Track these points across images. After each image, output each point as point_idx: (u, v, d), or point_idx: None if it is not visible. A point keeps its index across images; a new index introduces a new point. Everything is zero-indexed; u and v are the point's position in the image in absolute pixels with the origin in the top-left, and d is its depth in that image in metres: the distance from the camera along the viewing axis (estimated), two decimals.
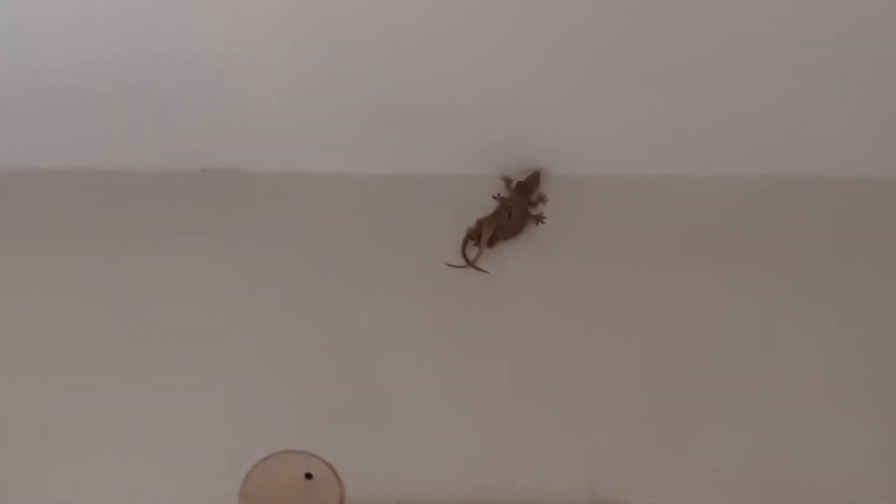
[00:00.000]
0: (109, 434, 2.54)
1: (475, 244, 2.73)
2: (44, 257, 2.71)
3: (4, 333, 2.63)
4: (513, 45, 2.46)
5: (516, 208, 2.75)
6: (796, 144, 2.73)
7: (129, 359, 2.62)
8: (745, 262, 2.74)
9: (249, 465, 2.52)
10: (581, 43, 2.45)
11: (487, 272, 2.71)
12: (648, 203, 2.79)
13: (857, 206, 2.80)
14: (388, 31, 2.42)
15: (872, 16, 2.38)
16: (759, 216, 2.79)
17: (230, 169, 2.79)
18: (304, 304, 2.68)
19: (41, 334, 2.63)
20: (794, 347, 2.65)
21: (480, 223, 2.73)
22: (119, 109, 2.60)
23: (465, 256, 2.72)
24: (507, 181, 2.78)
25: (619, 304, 2.69)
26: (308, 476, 2.52)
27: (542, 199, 2.78)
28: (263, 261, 2.72)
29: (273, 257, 2.72)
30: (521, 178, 2.78)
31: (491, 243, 2.72)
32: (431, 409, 2.58)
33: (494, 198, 2.77)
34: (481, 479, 2.51)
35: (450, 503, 2.48)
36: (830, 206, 2.80)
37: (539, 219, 2.77)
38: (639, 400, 2.59)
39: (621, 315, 2.68)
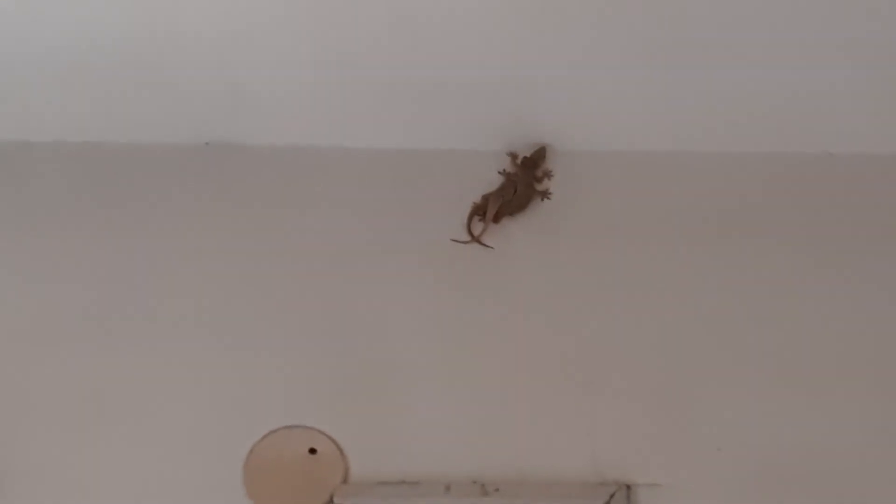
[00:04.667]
0: (114, 409, 2.55)
1: (480, 220, 2.72)
2: (47, 231, 2.71)
3: (8, 309, 2.64)
4: (519, 19, 2.45)
5: (522, 184, 2.74)
6: (802, 120, 2.73)
7: (132, 334, 2.62)
8: (750, 239, 2.73)
9: (254, 440, 2.52)
10: (588, 17, 2.44)
11: (492, 248, 2.70)
12: (654, 179, 2.78)
13: (862, 182, 2.79)
14: (393, 6, 2.41)
15: None
16: (765, 192, 2.79)
17: (235, 143, 2.78)
18: (309, 279, 2.67)
19: (45, 309, 2.63)
20: (800, 325, 2.65)
21: (486, 199, 2.73)
22: (123, 83, 2.59)
23: (470, 232, 2.71)
24: (513, 156, 2.77)
25: (624, 281, 2.69)
26: (312, 451, 2.53)
27: (547, 174, 2.77)
28: (267, 235, 2.72)
29: (277, 232, 2.72)
30: (527, 154, 2.77)
31: (496, 219, 2.72)
32: (436, 385, 2.59)
33: (500, 173, 2.77)
34: (485, 457, 2.51)
35: (454, 480, 2.48)
36: (836, 183, 2.79)
37: (545, 194, 2.76)
38: (644, 378, 2.59)
39: (626, 291, 2.68)
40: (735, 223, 2.74)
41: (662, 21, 2.44)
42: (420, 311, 2.65)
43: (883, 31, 2.45)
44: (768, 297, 2.68)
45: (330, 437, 2.54)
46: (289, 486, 2.50)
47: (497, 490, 2.49)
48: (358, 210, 2.74)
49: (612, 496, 2.48)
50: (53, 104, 2.66)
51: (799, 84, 2.61)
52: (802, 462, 2.52)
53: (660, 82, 2.61)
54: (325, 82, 2.61)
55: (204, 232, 2.72)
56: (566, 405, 2.56)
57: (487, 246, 2.70)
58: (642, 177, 2.78)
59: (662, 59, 2.54)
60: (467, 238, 2.71)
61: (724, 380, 2.59)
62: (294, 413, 2.55)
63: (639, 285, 2.68)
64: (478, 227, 2.72)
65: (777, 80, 2.59)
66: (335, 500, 2.49)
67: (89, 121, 2.71)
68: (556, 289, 2.68)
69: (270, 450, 2.52)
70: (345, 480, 2.51)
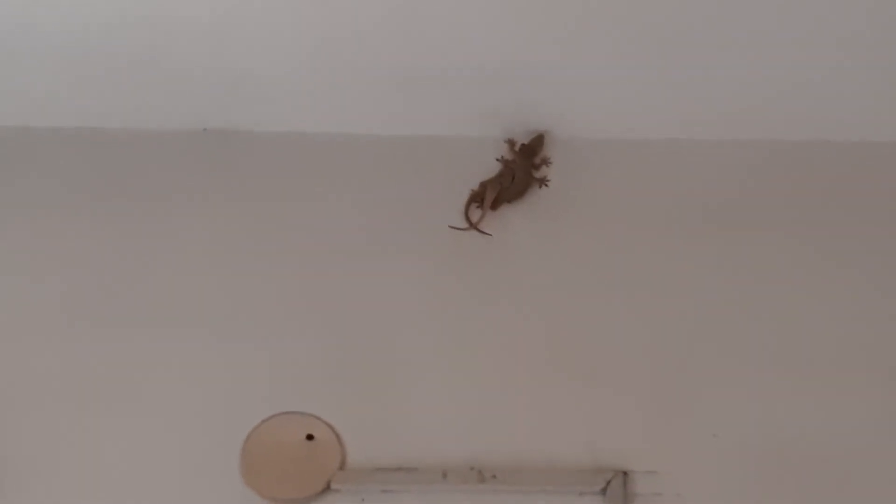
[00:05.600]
0: (112, 396, 2.55)
1: (478, 206, 2.73)
2: (44, 216, 2.70)
3: (5, 294, 2.63)
4: (518, 7, 2.44)
5: (520, 171, 2.74)
6: (801, 109, 2.73)
7: (131, 319, 2.62)
8: (748, 227, 2.74)
9: (251, 426, 2.52)
10: (587, 4, 2.43)
11: (490, 235, 2.71)
12: (652, 167, 2.79)
13: (860, 170, 2.80)
14: None
15: None
16: (763, 180, 2.79)
17: (232, 129, 2.78)
18: (307, 266, 2.67)
19: (42, 294, 2.63)
20: (797, 313, 2.65)
21: (484, 185, 2.73)
22: (122, 68, 2.58)
23: (468, 219, 2.72)
24: (511, 143, 2.77)
25: (622, 268, 2.69)
26: (309, 437, 2.53)
27: (545, 161, 2.78)
28: (265, 221, 2.72)
29: (275, 219, 2.72)
30: (526, 141, 2.77)
31: (494, 206, 2.72)
32: (433, 372, 2.59)
33: (498, 160, 2.77)
34: (483, 443, 2.51)
35: (451, 467, 2.49)
36: (834, 171, 2.80)
37: (543, 181, 2.76)
38: (641, 365, 2.59)
39: (624, 279, 2.68)
40: (733, 211, 2.75)
41: (661, 9, 2.44)
42: (418, 297, 2.65)
43: (882, 19, 2.45)
44: (766, 285, 2.68)
45: (327, 424, 2.54)
46: (286, 472, 2.50)
47: (494, 476, 2.49)
48: (356, 196, 2.74)
49: (608, 483, 2.48)
50: (51, 90, 2.66)
51: (798, 72, 2.60)
52: (798, 448, 2.52)
53: (658, 70, 2.61)
54: (324, 69, 2.60)
55: (202, 217, 2.72)
56: (563, 392, 2.56)
57: (485, 233, 2.71)
58: (640, 164, 2.79)
59: (661, 47, 2.54)
60: (465, 225, 2.71)
61: (721, 367, 2.59)
62: (291, 399, 2.55)
63: (636, 273, 2.68)
64: (476, 214, 2.72)
65: (776, 69, 2.59)
66: (332, 486, 2.49)
67: (87, 106, 2.71)
68: (553, 275, 2.68)
69: (268, 436, 2.52)
70: (342, 466, 2.51)
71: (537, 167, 2.77)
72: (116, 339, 2.60)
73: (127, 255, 2.68)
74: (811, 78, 2.62)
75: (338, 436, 2.53)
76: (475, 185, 2.74)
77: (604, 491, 2.48)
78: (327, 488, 2.49)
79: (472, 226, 2.71)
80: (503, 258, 2.70)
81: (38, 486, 2.48)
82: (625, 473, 2.50)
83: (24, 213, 2.70)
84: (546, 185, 2.76)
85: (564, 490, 2.49)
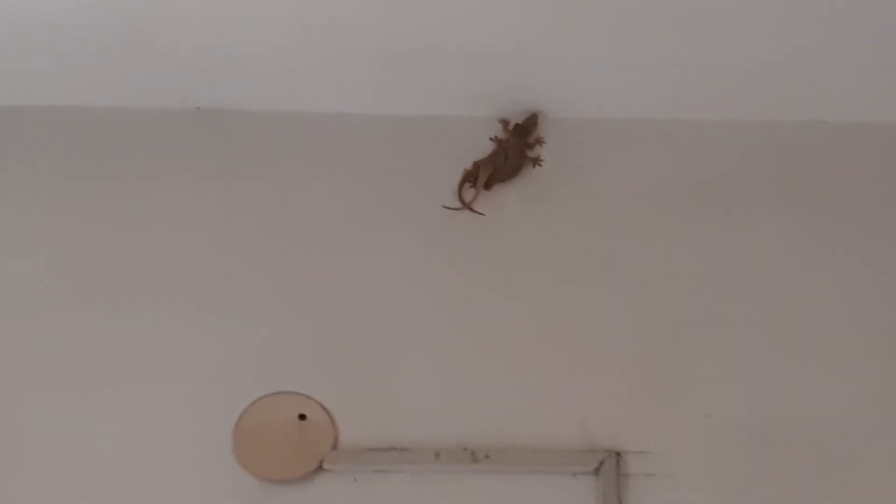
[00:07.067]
0: (102, 377, 2.54)
1: (472, 186, 2.72)
2: (36, 195, 2.69)
3: None
4: None
5: (513, 150, 2.73)
6: (796, 89, 2.72)
7: (123, 299, 2.61)
8: (742, 207, 2.73)
9: (244, 406, 2.52)
10: None
11: (484, 215, 2.70)
12: (646, 147, 2.78)
13: (856, 151, 2.79)
14: None
15: None
16: (758, 161, 2.78)
17: (225, 108, 2.77)
18: (300, 246, 2.67)
19: (32, 274, 2.62)
20: (789, 293, 2.66)
21: (477, 165, 2.73)
22: (114, 47, 2.56)
23: (461, 199, 2.71)
24: (505, 123, 2.76)
25: (615, 248, 2.69)
26: (302, 417, 2.53)
27: (539, 141, 2.77)
28: (258, 201, 2.71)
29: (268, 198, 2.71)
30: (519, 120, 2.76)
31: (487, 186, 2.71)
32: (426, 352, 2.59)
33: (492, 140, 2.76)
34: (475, 423, 2.52)
35: (443, 447, 2.49)
36: (828, 152, 2.79)
37: (536, 161, 2.75)
38: (634, 345, 2.60)
39: (617, 259, 2.68)
40: (726, 191, 2.75)
41: None
42: (410, 277, 2.64)
43: None
44: (759, 265, 2.68)
45: (320, 404, 2.54)
46: (278, 452, 2.50)
47: (487, 457, 2.49)
48: (349, 176, 2.73)
49: (601, 463, 2.48)
50: (43, 69, 2.64)
51: (793, 52, 2.59)
52: (790, 428, 2.53)
53: (652, 50, 2.59)
54: (317, 48, 2.59)
55: (194, 196, 2.71)
56: (556, 372, 2.57)
57: (478, 213, 2.70)
58: (633, 144, 2.78)
59: (655, 26, 2.52)
60: (458, 205, 2.70)
61: (714, 348, 2.60)
62: (284, 379, 2.55)
63: (630, 253, 2.68)
64: (469, 194, 2.71)
65: (770, 48, 2.58)
66: (324, 466, 2.49)
67: (79, 85, 2.69)
68: (546, 255, 2.68)
69: (260, 416, 2.52)
70: (334, 447, 2.51)
71: (531, 147, 2.76)
72: (107, 320, 2.59)
73: (118, 235, 2.67)
74: (806, 58, 2.61)
75: (330, 416, 2.53)
76: (468, 165, 2.73)
77: (597, 471, 2.49)
78: (319, 468, 2.49)
79: (466, 205, 2.70)
80: (496, 238, 2.69)
81: (26, 467, 2.48)
82: (618, 454, 2.50)
83: (13, 191, 2.69)
84: (539, 165, 2.75)
85: (557, 470, 2.49)
